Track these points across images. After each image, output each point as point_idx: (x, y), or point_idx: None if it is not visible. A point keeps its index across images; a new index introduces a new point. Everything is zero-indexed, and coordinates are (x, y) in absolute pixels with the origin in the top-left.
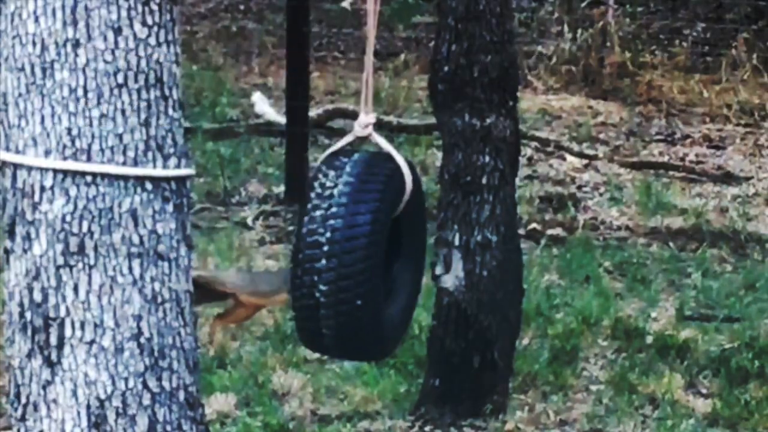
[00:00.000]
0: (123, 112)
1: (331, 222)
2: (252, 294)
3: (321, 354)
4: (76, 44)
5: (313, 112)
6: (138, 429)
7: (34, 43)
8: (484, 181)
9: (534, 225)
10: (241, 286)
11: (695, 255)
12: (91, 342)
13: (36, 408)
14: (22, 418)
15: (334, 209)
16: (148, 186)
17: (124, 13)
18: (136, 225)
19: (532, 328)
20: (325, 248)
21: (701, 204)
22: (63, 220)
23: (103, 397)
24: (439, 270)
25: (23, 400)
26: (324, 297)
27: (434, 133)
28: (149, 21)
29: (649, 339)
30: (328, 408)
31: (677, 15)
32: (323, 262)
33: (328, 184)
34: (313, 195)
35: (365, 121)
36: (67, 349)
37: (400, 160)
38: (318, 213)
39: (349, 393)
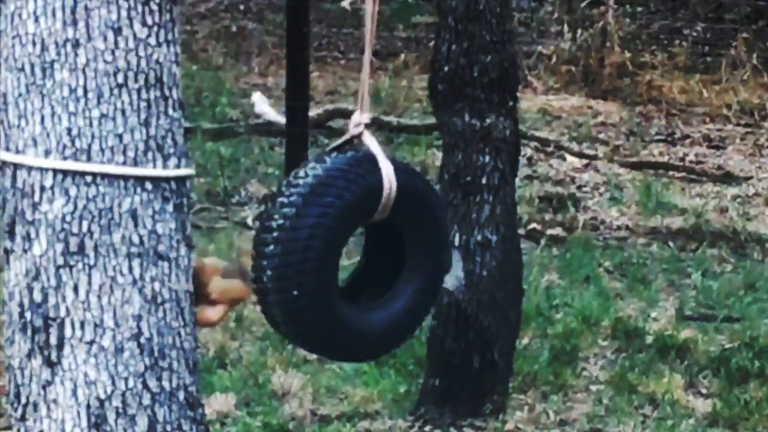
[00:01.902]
0: (123, 112)
1: (285, 210)
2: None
3: (294, 344)
4: (76, 44)
5: (313, 112)
6: (138, 429)
7: (34, 43)
8: (484, 181)
9: (534, 225)
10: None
11: (695, 255)
12: (91, 342)
13: (36, 408)
14: (22, 418)
15: (293, 198)
16: (148, 186)
17: (124, 13)
18: (136, 225)
19: (532, 328)
20: (275, 234)
21: (701, 204)
22: (63, 220)
23: (103, 397)
24: None
25: (23, 400)
26: (270, 282)
27: (434, 133)
28: (149, 21)
29: (649, 339)
30: (328, 408)
31: (677, 15)
32: (271, 247)
33: (301, 174)
34: (284, 182)
35: (358, 120)
36: (67, 349)
37: (383, 163)
38: (279, 200)
39: (349, 393)
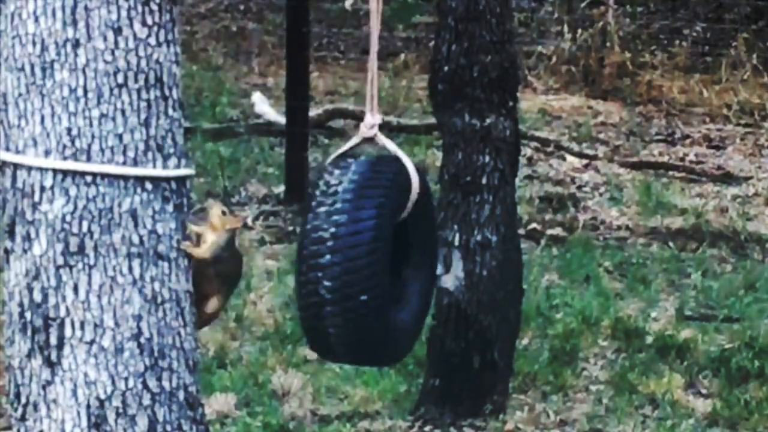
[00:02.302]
0: (123, 112)
1: (336, 218)
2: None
3: (329, 358)
4: (76, 44)
5: (313, 112)
6: (138, 429)
7: (34, 43)
8: (484, 181)
9: (534, 225)
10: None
11: (695, 255)
12: (91, 342)
13: (36, 408)
14: (22, 418)
15: (339, 205)
16: (148, 186)
17: (124, 13)
18: (136, 225)
19: (532, 328)
20: (329, 244)
21: (701, 204)
22: (63, 220)
23: (103, 397)
24: (439, 270)
25: (23, 400)
26: (329, 293)
27: (434, 133)
28: (149, 21)
29: (649, 339)
30: (328, 408)
31: (677, 15)
32: (328, 257)
33: (333, 182)
34: (317, 193)
35: (371, 122)
36: (67, 349)
37: (406, 161)
38: (320, 210)
39: (349, 393)
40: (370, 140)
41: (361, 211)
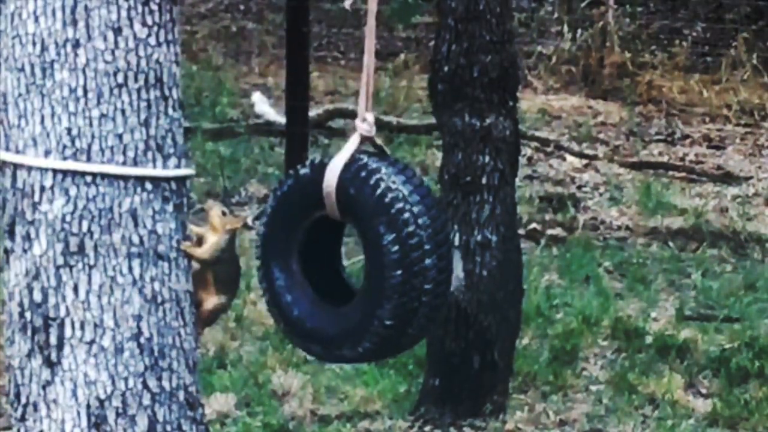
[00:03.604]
0: (123, 112)
1: (423, 220)
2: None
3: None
4: (76, 44)
5: (313, 112)
6: (138, 429)
7: (34, 43)
8: (484, 181)
9: (534, 225)
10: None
11: (695, 255)
12: (91, 342)
13: (36, 408)
14: (22, 418)
15: (419, 208)
16: (148, 186)
17: (124, 13)
18: (136, 225)
19: (532, 328)
20: (427, 247)
21: (701, 204)
22: (63, 220)
23: (103, 397)
24: None
25: (23, 400)
26: (426, 296)
27: (434, 133)
28: (149, 21)
29: (649, 339)
30: (328, 408)
31: (677, 15)
32: (428, 260)
33: (398, 187)
34: (402, 196)
35: (371, 121)
36: (67, 349)
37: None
38: (416, 209)
39: (349, 393)
40: (368, 139)
41: (440, 212)
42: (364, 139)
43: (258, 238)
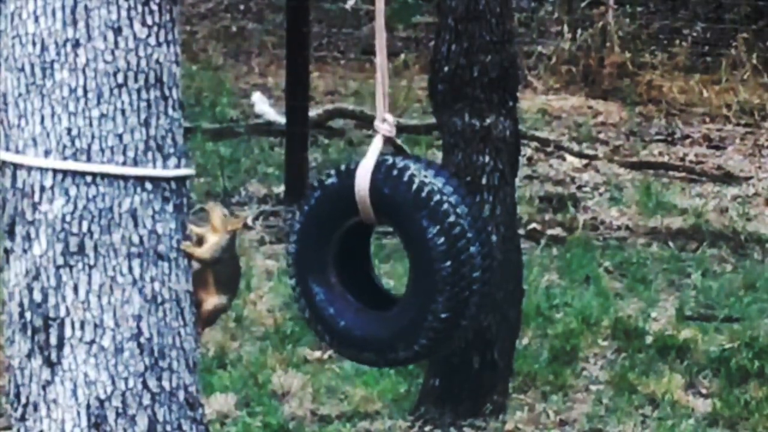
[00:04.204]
0: (123, 112)
1: (460, 209)
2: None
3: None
4: (76, 44)
5: (313, 112)
6: (138, 429)
7: (34, 43)
8: (484, 181)
9: (534, 225)
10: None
11: (695, 255)
12: (91, 342)
13: (36, 408)
14: (22, 418)
15: (455, 198)
16: (148, 186)
17: (124, 13)
18: (136, 225)
19: (532, 328)
20: (477, 247)
21: (701, 204)
22: (63, 220)
23: (103, 397)
24: None
25: (23, 400)
26: (476, 296)
27: (434, 133)
28: (149, 21)
29: (649, 339)
30: (328, 408)
31: (677, 15)
32: (479, 259)
33: (434, 183)
34: (448, 201)
35: (391, 121)
36: (67, 349)
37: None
38: (460, 209)
39: (349, 393)
40: (389, 140)
41: (475, 201)
42: (386, 140)
43: (288, 257)
